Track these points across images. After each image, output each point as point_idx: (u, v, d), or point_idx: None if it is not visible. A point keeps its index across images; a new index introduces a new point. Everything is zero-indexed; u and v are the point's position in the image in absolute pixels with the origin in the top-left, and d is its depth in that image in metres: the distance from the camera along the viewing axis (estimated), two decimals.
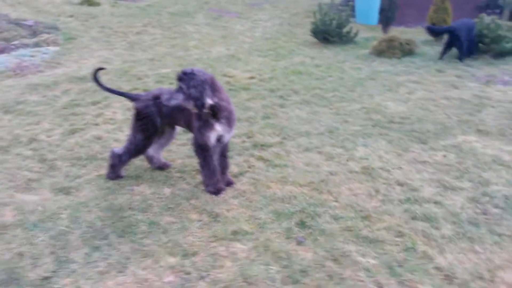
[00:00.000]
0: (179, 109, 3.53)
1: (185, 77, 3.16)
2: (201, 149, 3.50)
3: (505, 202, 3.45)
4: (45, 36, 8.95)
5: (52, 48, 8.48)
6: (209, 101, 3.20)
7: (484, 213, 3.31)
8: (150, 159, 4.11)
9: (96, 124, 5.13)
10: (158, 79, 6.85)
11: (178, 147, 4.58)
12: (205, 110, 3.25)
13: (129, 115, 5.40)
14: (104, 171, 4.04)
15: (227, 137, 3.56)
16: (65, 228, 3.23)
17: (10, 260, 2.89)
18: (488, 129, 4.82)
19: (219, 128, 3.39)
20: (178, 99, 3.19)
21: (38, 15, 10.93)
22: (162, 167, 4.12)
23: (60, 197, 3.65)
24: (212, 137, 3.43)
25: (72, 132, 4.90)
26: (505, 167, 4.00)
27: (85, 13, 11.56)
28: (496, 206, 3.40)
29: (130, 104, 5.78)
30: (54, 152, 4.43)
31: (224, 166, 3.72)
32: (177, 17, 12.44)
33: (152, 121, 3.69)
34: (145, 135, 3.72)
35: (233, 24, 12.14)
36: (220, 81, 6.76)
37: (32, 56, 7.86)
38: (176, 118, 3.71)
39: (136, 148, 3.79)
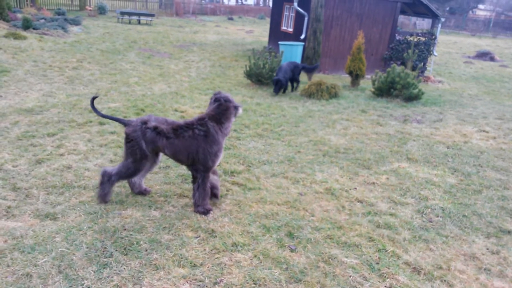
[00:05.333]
0: (188, 138, 3.84)
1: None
2: (205, 171, 3.84)
3: (443, 212, 4.30)
4: None
5: None
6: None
7: (430, 221, 4.10)
8: (132, 184, 4.28)
9: (61, 155, 5.11)
10: (110, 112, 6.94)
11: (152, 175, 4.79)
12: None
13: (91, 146, 5.50)
14: (83, 198, 4.13)
15: None
16: (65, 249, 3.29)
17: (17, 281, 2.90)
18: (416, 158, 5.83)
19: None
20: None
21: None
22: (143, 192, 4.32)
23: (47, 223, 3.67)
24: (221, 158, 3.91)
25: (38, 162, 4.85)
26: (436, 186, 4.93)
27: (12, 46, 11.11)
28: (437, 215, 4.23)
29: (90, 135, 5.89)
30: (26, 181, 4.37)
31: (215, 187, 4.10)
32: (109, 55, 12.49)
33: (138, 144, 3.88)
34: (133, 158, 3.91)
35: (166, 63, 12.54)
36: (174, 115, 7.14)
37: None
38: (159, 146, 3.89)
39: (127, 172, 3.95)
